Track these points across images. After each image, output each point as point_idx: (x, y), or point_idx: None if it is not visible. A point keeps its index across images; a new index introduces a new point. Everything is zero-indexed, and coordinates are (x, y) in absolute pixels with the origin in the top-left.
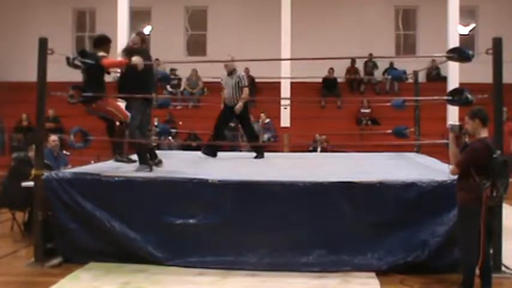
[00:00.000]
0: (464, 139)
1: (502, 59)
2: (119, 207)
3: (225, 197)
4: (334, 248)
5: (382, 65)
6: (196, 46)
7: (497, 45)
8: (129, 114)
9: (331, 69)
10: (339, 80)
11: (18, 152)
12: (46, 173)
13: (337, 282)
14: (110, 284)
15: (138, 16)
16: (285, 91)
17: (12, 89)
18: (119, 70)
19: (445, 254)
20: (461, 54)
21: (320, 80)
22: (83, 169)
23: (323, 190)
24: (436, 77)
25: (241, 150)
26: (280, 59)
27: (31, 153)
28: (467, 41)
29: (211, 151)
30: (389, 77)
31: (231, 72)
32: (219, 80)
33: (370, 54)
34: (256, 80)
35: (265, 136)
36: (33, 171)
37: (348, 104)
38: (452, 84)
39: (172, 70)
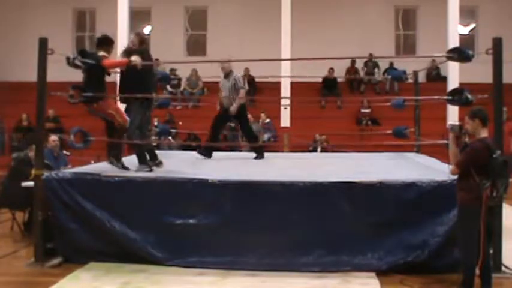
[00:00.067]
0: (464, 139)
1: (502, 59)
2: (119, 207)
3: (225, 197)
4: (334, 248)
5: (382, 65)
6: (196, 46)
7: (497, 45)
8: (128, 118)
9: (331, 69)
10: (339, 80)
11: (18, 152)
12: (46, 173)
13: (337, 282)
14: (110, 284)
15: (138, 16)
16: (285, 91)
17: (12, 89)
18: (118, 70)
19: (445, 254)
20: (461, 54)
21: (320, 80)
22: (83, 169)
23: (323, 190)
24: (436, 77)
25: (241, 151)
26: (280, 59)
27: (31, 153)
28: (467, 41)
29: (206, 152)
30: (389, 77)
31: (227, 74)
32: (219, 80)
33: (370, 55)
34: (256, 80)
35: (265, 136)
36: (33, 171)
37: (348, 104)
38: (452, 84)
39: (172, 70)
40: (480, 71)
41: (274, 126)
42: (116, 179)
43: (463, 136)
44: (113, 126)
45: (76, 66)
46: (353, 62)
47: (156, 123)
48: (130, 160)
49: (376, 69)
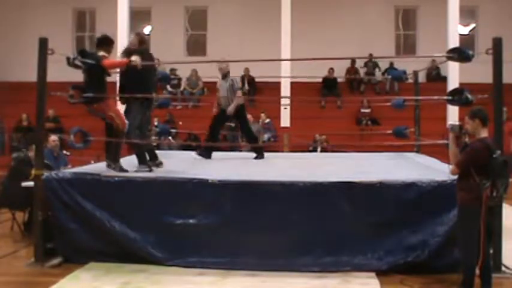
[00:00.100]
0: (464, 139)
1: (502, 59)
2: (119, 207)
3: (225, 197)
4: (334, 248)
5: (382, 65)
6: (196, 46)
7: (497, 45)
8: (127, 122)
9: (331, 69)
10: (339, 80)
11: (18, 152)
12: (46, 173)
13: (337, 282)
14: (110, 284)
15: (138, 16)
16: (285, 91)
17: (12, 89)
18: (118, 70)
19: (445, 254)
20: (461, 54)
21: (320, 80)
22: (83, 169)
23: (323, 190)
24: (436, 77)
25: (241, 151)
26: (280, 59)
27: (31, 153)
28: (467, 41)
29: (205, 153)
30: (389, 77)
31: (225, 76)
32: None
33: (370, 55)
34: (256, 80)
35: (265, 136)
36: (33, 171)
37: (348, 104)
38: (452, 84)
39: (172, 70)
40: (480, 71)
41: (274, 126)
42: (116, 179)
43: (463, 136)
44: (112, 127)
45: (76, 67)
46: (353, 62)
47: (156, 123)
48: (130, 160)
49: (376, 69)
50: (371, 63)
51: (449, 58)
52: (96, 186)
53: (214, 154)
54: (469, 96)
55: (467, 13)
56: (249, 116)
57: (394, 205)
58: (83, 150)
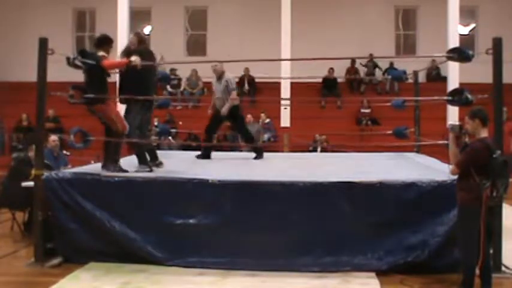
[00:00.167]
0: (464, 139)
1: (502, 59)
2: (119, 207)
3: (225, 197)
4: (334, 248)
5: (382, 65)
6: (196, 46)
7: (497, 45)
8: (127, 125)
9: (331, 69)
10: (339, 80)
11: (18, 152)
12: (46, 173)
13: (337, 282)
14: (110, 284)
15: (138, 16)
16: (285, 91)
17: (12, 89)
18: (117, 70)
19: (445, 254)
20: (461, 54)
21: (320, 80)
22: (83, 169)
23: (323, 190)
24: (436, 77)
25: (241, 151)
26: (280, 59)
27: (31, 153)
28: (467, 41)
29: (205, 155)
30: (389, 77)
31: (220, 76)
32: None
33: (371, 55)
34: (256, 80)
35: (265, 136)
36: (33, 171)
37: (348, 104)
38: (452, 84)
39: (172, 70)
40: (480, 71)
41: (274, 126)
42: (116, 179)
43: (463, 136)
44: (111, 129)
45: (76, 67)
46: (353, 62)
47: (156, 123)
48: (130, 160)
49: (376, 69)
50: (371, 63)
51: (449, 58)
52: (96, 186)
53: (214, 154)
54: (469, 96)
55: (467, 13)
56: (248, 116)
57: (394, 205)
58: (83, 150)
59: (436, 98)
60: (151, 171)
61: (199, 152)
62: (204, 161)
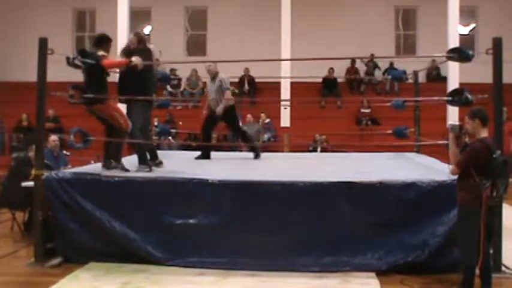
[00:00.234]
0: (464, 139)
1: (502, 59)
2: (119, 207)
3: (225, 197)
4: (334, 248)
5: (382, 65)
6: (196, 46)
7: (497, 45)
8: (130, 123)
9: (331, 69)
10: (339, 80)
11: (18, 152)
12: (46, 173)
13: (337, 282)
14: (110, 284)
15: (138, 16)
16: (285, 91)
17: (12, 89)
18: (117, 70)
19: (445, 254)
20: (461, 54)
21: (320, 80)
22: (83, 169)
23: (323, 190)
24: (436, 77)
25: (241, 151)
26: (280, 59)
27: (31, 153)
28: (467, 41)
29: (204, 156)
30: (389, 77)
31: (213, 77)
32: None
33: (372, 55)
34: (256, 80)
35: (265, 136)
36: (33, 171)
37: (348, 104)
38: (452, 84)
39: (172, 70)
40: (480, 71)
41: (274, 126)
42: (116, 179)
43: (463, 136)
44: (113, 127)
45: (76, 66)
46: (353, 62)
47: (156, 123)
48: (131, 160)
49: (376, 69)
50: (371, 64)
51: (449, 58)
52: (96, 186)
53: (214, 154)
54: (469, 96)
55: (467, 13)
56: (248, 116)
57: (394, 205)
58: (83, 150)
59: (436, 98)
60: (151, 170)
61: (198, 153)
62: (204, 161)
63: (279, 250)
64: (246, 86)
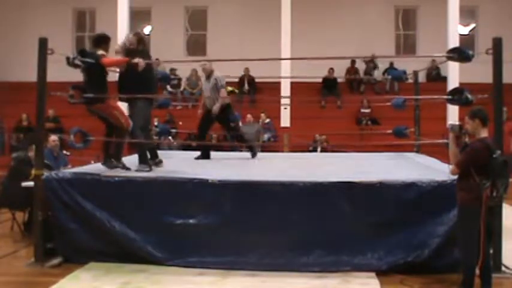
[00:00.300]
0: (464, 139)
1: (502, 59)
2: (119, 207)
3: (225, 197)
4: (334, 248)
5: (382, 65)
6: (196, 46)
7: (497, 45)
8: (131, 122)
9: (331, 69)
10: (339, 80)
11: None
12: (46, 173)
13: (337, 282)
14: (110, 284)
15: (138, 16)
16: (285, 91)
17: (12, 89)
18: (118, 70)
19: (445, 254)
20: (461, 54)
21: (320, 80)
22: (83, 169)
23: (323, 190)
24: (436, 77)
25: (241, 151)
26: (280, 59)
27: (31, 153)
28: (467, 41)
29: (203, 156)
30: (389, 77)
31: (208, 75)
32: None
33: (373, 55)
34: (256, 80)
35: (265, 136)
36: (33, 171)
37: (347, 104)
38: (452, 84)
39: (172, 70)
40: (480, 71)
41: (274, 126)
42: (116, 179)
43: (463, 136)
44: (113, 126)
45: (76, 66)
46: (353, 62)
47: (156, 123)
48: (131, 159)
49: (375, 71)
50: (372, 64)
51: (449, 58)
52: (96, 186)
53: (214, 154)
54: (469, 96)
55: (467, 13)
56: (248, 116)
57: (394, 205)
58: (83, 150)
59: (436, 97)
60: (151, 170)
61: (198, 153)
62: (204, 161)
63: (279, 250)
64: (246, 86)
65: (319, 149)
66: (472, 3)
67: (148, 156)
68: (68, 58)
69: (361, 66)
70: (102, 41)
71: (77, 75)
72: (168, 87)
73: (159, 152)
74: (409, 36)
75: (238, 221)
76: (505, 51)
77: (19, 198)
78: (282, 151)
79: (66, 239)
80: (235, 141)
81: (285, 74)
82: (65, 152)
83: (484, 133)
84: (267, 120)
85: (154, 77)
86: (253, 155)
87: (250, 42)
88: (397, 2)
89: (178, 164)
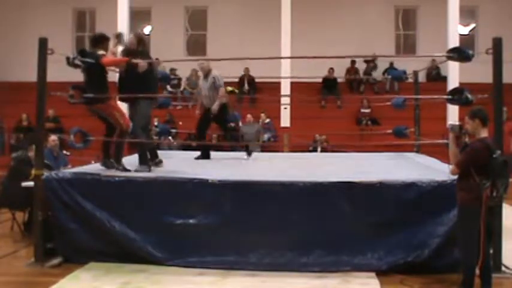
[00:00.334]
0: (464, 139)
1: (502, 59)
2: (119, 207)
3: (225, 197)
4: (334, 248)
5: (382, 65)
6: (196, 46)
7: (497, 45)
8: (131, 123)
9: (331, 69)
10: (339, 80)
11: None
12: (46, 173)
13: (337, 282)
14: (110, 284)
15: (138, 16)
16: (285, 91)
17: (12, 89)
18: (117, 69)
19: (445, 254)
20: (461, 54)
21: (320, 80)
22: (83, 169)
23: (323, 190)
24: (436, 76)
25: (241, 151)
26: (280, 57)
27: (31, 153)
28: (467, 41)
29: (203, 156)
30: (389, 77)
31: (206, 74)
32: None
33: (374, 54)
34: (256, 80)
35: (265, 136)
36: (33, 171)
37: (347, 104)
38: (452, 84)
39: (172, 70)
40: (480, 71)
41: (274, 126)
42: (116, 179)
43: (463, 136)
44: (113, 127)
45: (76, 66)
46: (353, 62)
47: (156, 123)
48: (131, 160)
49: (373, 72)
50: (372, 64)
51: (449, 58)
52: (96, 186)
53: (214, 154)
54: (469, 96)
55: (467, 13)
56: (248, 116)
57: (394, 205)
58: (83, 150)
59: (436, 97)
60: (150, 171)
61: (198, 153)
62: (204, 161)
63: (279, 250)
64: (246, 86)
65: (319, 149)
66: (472, 3)
67: (148, 156)
68: (68, 58)
69: (361, 66)
70: (100, 40)
71: (77, 75)
72: (168, 87)
73: (159, 152)
74: (409, 36)
75: (238, 221)
76: (505, 51)
77: (19, 198)
78: (282, 151)
79: (66, 239)
80: (232, 140)
81: (285, 74)
82: (65, 152)
83: (484, 133)
84: (267, 120)
85: (155, 77)
86: (249, 154)
87: (250, 42)
88: (397, 2)
89: (178, 164)
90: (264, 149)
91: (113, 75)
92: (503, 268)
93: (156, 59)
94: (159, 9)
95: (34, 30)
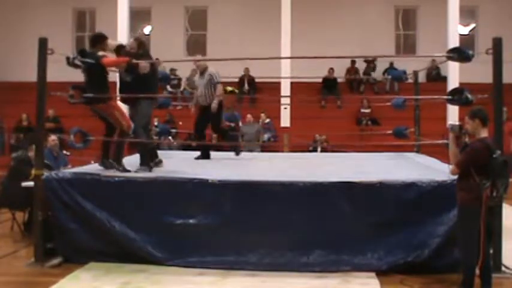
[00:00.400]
0: (464, 139)
1: (502, 59)
2: (119, 207)
3: (225, 197)
4: (334, 248)
5: (382, 65)
6: (196, 46)
7: (497, 45)
8: (132, 124)
9: (331, 69)
10: (339, 80)
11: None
12: (46, 173)
13: (337, 282)
14: (110, 284)
15: (138, 16)
16: (285, 91)
17: (12, 89)
18: (117, 70)
19: (445, 254)
20: (461, 54)
21: (320, 80)
22: (83, 169)
23: (323, 190)
24: (436, 77)
25: (241, 150)
26: (280, 57)
27: (31, 153)
28: (467, 41)
29: (203, 156)
30: (389, 77)
31: (202, 72)
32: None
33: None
34: (256, 80)
35: (265, 136)
36: (33, 171)
37: (347, 104)
38: (452, 84)
39: (172, 70)
40: (480, 71)
41: (274, 126)
42: (116, 179)
43: (463, 136)
44: (113, 127)
45: (76, 66)
46: (353, 62)
47: (156, 123)
48: (131, 160)
49: (372, 73)
50: (372, 64)
51: (449, 58)
52: (96, 186)
53: (214, 154)
54: (469, 96)
55: (467, 13)
56: (248, 116)
57: (394, 205)
58: (83, 150)
59: (436, 97)
60: (151, 171)
61: (198, 153)
62: (204, 161)
63: (279, 250)
64: (246, 86)
65: (319, 149)
66: (472, 3)
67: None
68: (68, 58)
69: (361, 66)
70: (98, 40)
71: (77, 75)
72: (168, 87)
73: (159, 152)
74: (409, 36)
75: (238, 221)
76: (505, 51)
77: (19, 198)
78: (282, 151)
79: (66, 239)
80: (220, 139)
81: (285, 74)
82: (65, 152)
83: (484, 133)
84: (267, 120)
85: (156, 78)
86: (237, 154)
87: (250, 42)
88: (397, 2)
89: (178, 164)
90: (264, 149)
91: (113, 75)
92: (503, 268)
93: (156, 59)
94: (159, 9)
95: (34, 30)
